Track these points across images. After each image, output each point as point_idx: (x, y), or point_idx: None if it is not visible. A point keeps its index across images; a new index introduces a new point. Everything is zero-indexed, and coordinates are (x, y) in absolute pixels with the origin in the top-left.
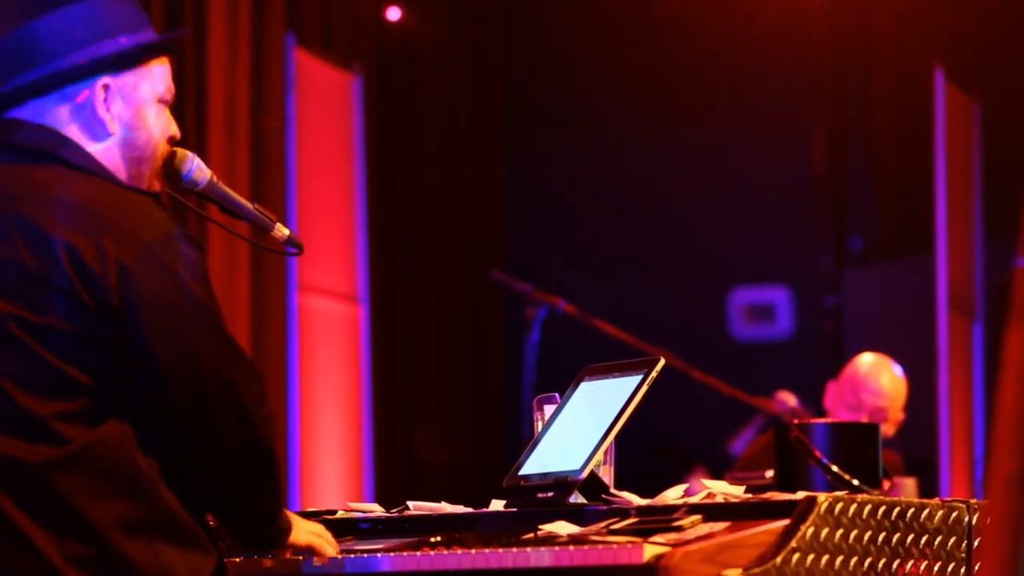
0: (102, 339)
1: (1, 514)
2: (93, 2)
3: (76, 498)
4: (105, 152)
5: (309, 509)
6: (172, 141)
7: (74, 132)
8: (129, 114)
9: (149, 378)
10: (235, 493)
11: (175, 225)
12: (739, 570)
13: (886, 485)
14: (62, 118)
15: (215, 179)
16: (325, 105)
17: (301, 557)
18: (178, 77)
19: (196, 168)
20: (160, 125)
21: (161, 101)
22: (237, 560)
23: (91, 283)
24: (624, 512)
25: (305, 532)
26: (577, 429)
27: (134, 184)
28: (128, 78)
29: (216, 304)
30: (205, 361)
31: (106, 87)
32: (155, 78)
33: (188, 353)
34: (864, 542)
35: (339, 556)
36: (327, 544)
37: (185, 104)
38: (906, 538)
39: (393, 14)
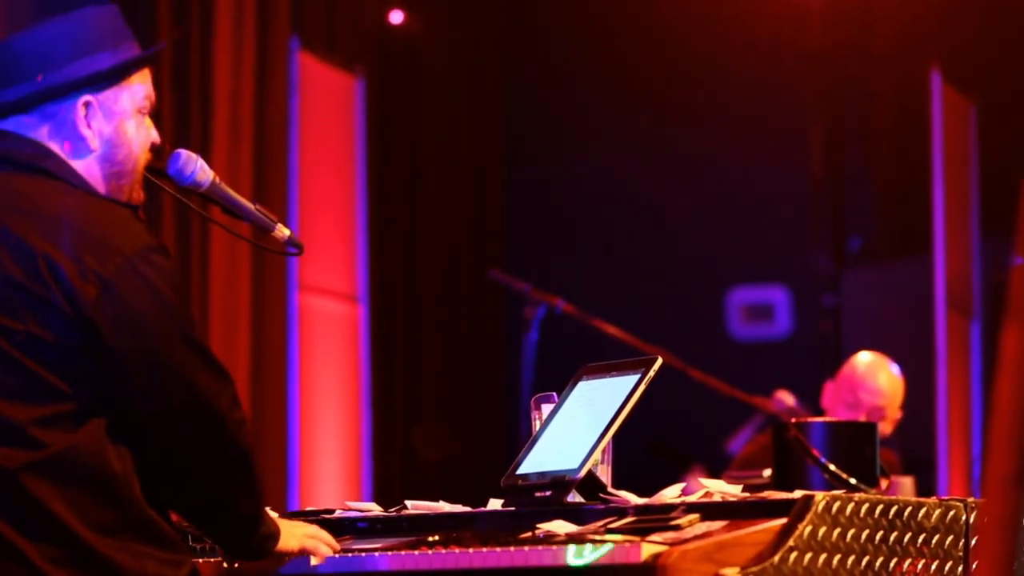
0: (82, 348)
1: None
2: (76, 17)
3: (52, 501)
4: (86, 168)
5: (307, 508)
6: (154, 148)
7: (55, 148)
8: (110, 130)
9: (124, 385)
10: (211, 498)
11: (151, 237)
12: (737, 569)
13: (883, 484)
14: (43, 135)
15: (218, 180)
16: (328, 107)
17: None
18: (184, 79)
19: (200, 170)
20: (140, 137)
21: (140, 112)
22: (236, 565)
23: (72, 295)
24: (622, 511)
25: (296, 537)
26: (575, 428)
27: (114, 198)
28: (109, 94)
29: (190, 313)
30: (178, 368)
31: (87, 104)
32: (135, 90)
33: (162, 361)
34: (862, 541)
35: (337, 556)
36: (322, 545)
37: (190, 105)
38: (903, 537)
39: (396, 17)
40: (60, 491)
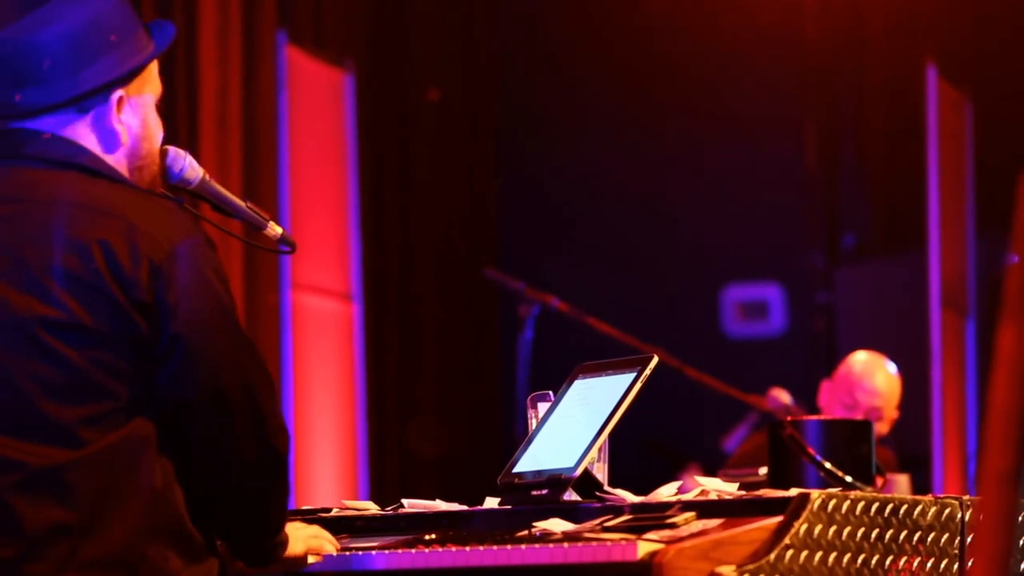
0: (132, 339)
1: (15, 516)
2: (92, 4)
3: (91, 500)
4: (115, 163)
5: (304, 507)
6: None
7: (91, 144)
8: (137, 122)
9: (171, 379)
10: (244, 501)
11: (198, 229)
12: (733, 567)
13: (879, 481)
14: (79, 131)
15: (207, 177)
16: (317, 102)
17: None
18: (169, 74)
19: (188, 166)
20: (158, 127)
21: (156, 101)
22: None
23: (124, 281)
24: (618, 509)
25: (301, 541)
26: (571, 427)
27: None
28: (135, 85)
29: (234, 305)
30: (230, 364)
31: (120, 99)
32: (154, 80)
33: (215, 355)
34: (857, 539)
35: (334, 555)
36: (326, 543)
37: (177, 101)
38: (899, 534)
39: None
40: (100, 489)
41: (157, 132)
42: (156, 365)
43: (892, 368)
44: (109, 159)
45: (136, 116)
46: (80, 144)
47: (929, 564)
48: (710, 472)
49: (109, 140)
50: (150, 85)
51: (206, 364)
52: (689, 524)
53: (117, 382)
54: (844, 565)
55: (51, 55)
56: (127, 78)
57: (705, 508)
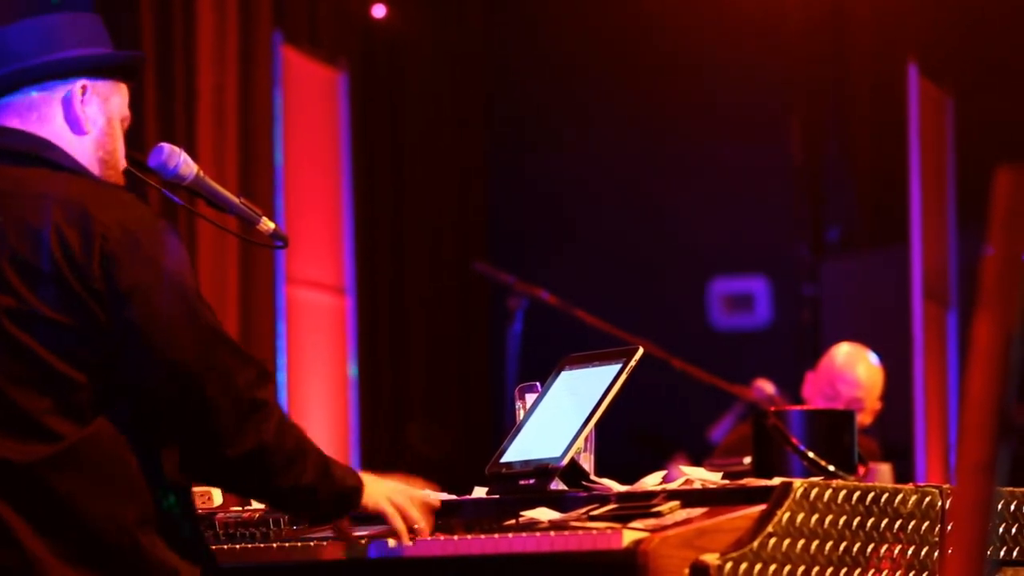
0: (91, 327)
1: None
2: (76, 13)
3: (69, 496)
4: (80, 147)
5: None
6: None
7: (57, 125)
8: (102, 120)
9: (132, 367)
10: (254, 470)
11: (159, 218)
12: (716, 554)
13: (861, 471)
14: (45, 112)
15: (202, 174)
16: (311, 100)
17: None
18: (167, 73)
19: (183, 163)
20: (122, 141)
21: (123, 122)
22: (237, 548)
23: (78, 270)
24: (604, 498)
25: (376, 497)
26: (558, 417)
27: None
28: (103, 86)
29: (199, 294)
30: (190, 348)
31: (84, 88)
32: (123, 97)
33: (173, 341)
34: (839, 527)
35: (414, 536)
36: (413, 508)
37: (174, 99)
38: (880, 522)
39: (378, 11)
40: (78, 485)
41: (121, 142)
42: (116, 354)
43: (874, 359)
44: (75, 143)
45: (101, 114)
46: (46, 139)
47: (910, 551)
48: (697, 462)
49: (74, 124)
50: (119, 98)
51: (164, 350)
52: (674, 513)
53: (83, 372)
54: (826, 552)
55: (24, 37)
56: (87, 64)
57: (689, 497)
